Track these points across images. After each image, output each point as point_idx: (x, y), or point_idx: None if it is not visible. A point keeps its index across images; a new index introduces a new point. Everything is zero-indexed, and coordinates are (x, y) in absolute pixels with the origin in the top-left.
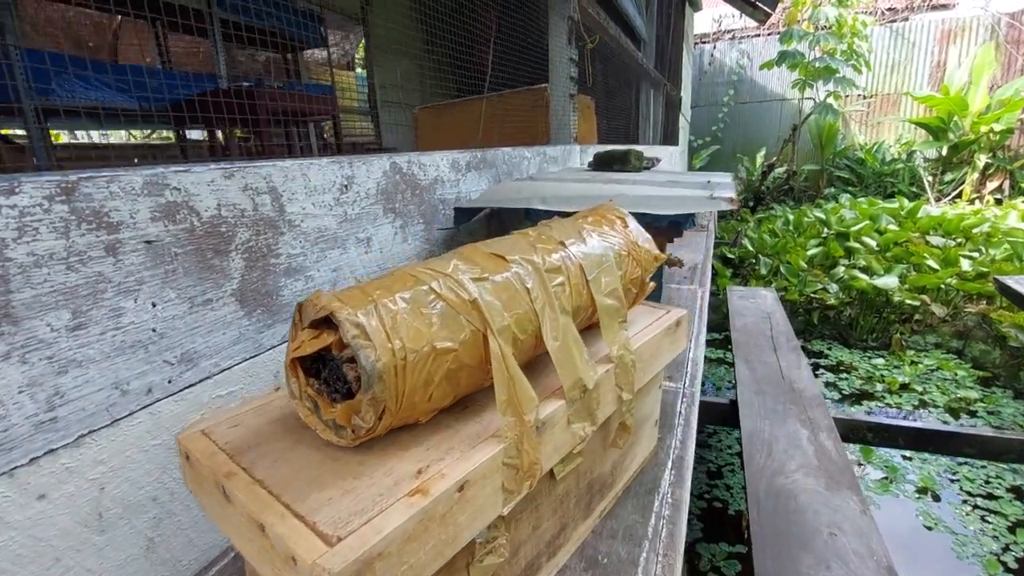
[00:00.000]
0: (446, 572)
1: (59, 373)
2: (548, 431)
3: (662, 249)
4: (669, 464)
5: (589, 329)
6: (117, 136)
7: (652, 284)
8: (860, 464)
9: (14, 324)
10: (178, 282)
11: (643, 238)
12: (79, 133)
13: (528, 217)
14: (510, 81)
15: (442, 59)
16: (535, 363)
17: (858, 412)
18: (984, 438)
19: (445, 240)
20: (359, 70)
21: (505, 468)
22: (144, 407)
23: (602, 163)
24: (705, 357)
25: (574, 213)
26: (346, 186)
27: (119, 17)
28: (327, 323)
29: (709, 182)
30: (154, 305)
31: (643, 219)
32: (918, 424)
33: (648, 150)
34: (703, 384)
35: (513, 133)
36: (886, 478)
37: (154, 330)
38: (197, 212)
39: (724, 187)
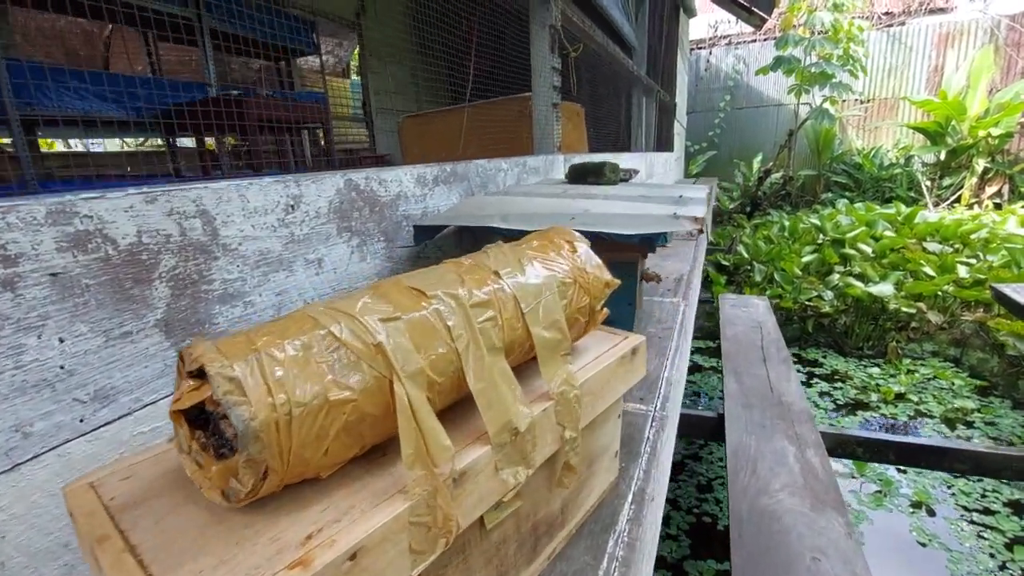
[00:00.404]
0: None
1: None
2: (470, 481)
3: (635, 264)
4: (629, 498)
5: (530, 364)
6: (113, 144)
7: (604, 312)
8: (853, 476)
9: None
10: (90, 315)
11: (592, 263)
12: (73, 142)
13: (497, 232)
14: (501, 89)
15: (436, 65)
16: (461, 406)
17: (850, 426)
18: (979, 454)
19: (410, 257)
20: (354, 77)
21: (413, 528)
22: (51, 448)
23: (577, 176)
24: (699, 366)
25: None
26: (292, 206)
27: (110, 26)
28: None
29: (681, 197)
30: (61, 341)
31: (610, 237)
32: (909, 439)
33: (637, 158)
34: (696, 397)
35: (498, 142)
36: (880, 491)
37: (62, 367)
38: (113, 240)
39: (693, 205)
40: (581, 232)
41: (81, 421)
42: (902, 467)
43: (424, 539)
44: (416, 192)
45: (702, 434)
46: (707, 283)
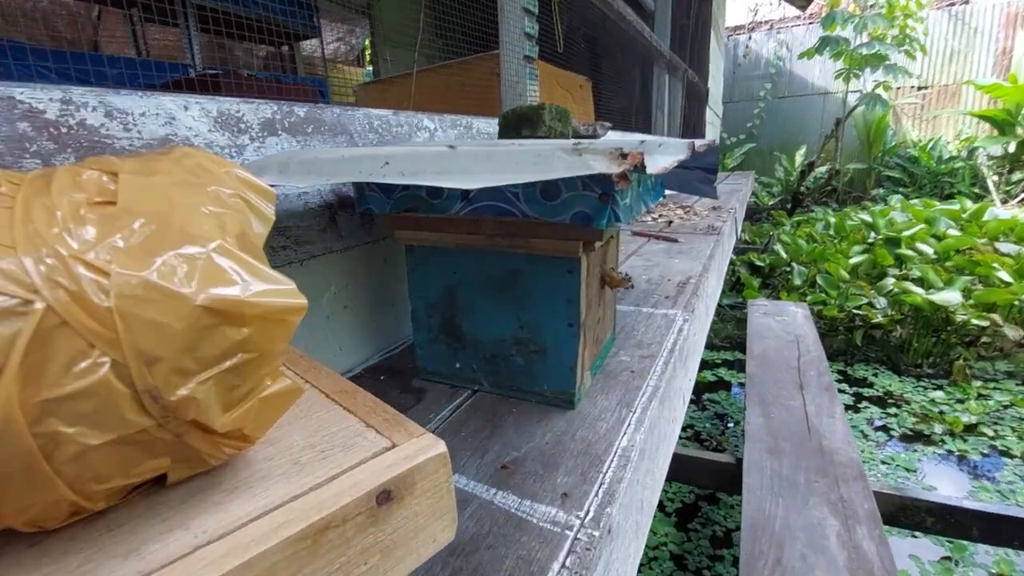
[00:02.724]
0: None
1: None
2: None
3: (572, 261)
4: None
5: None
6: None
7: (289, 386)
8: (913, 535)
9: None
10: None
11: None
12: None
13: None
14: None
15: (457, 55)
16: None
17: (911, 485)
18: None
19: None
20: (370, 67)
21: None
22: None
23: (509, 127)
24: (723, 381)
25: None
26: None
27: (98, 9)
28: None
29: (643, 142)
30: None
31: (520, 209)
32: (1002, 508)
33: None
34: (719, 421)
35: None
36: (948, 558)
37: None
38: None
39: (608, 146)
40: (381, 186)
41: None
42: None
43: None
44: (219, 140)
45: (714, 484)
46: (738, 286)
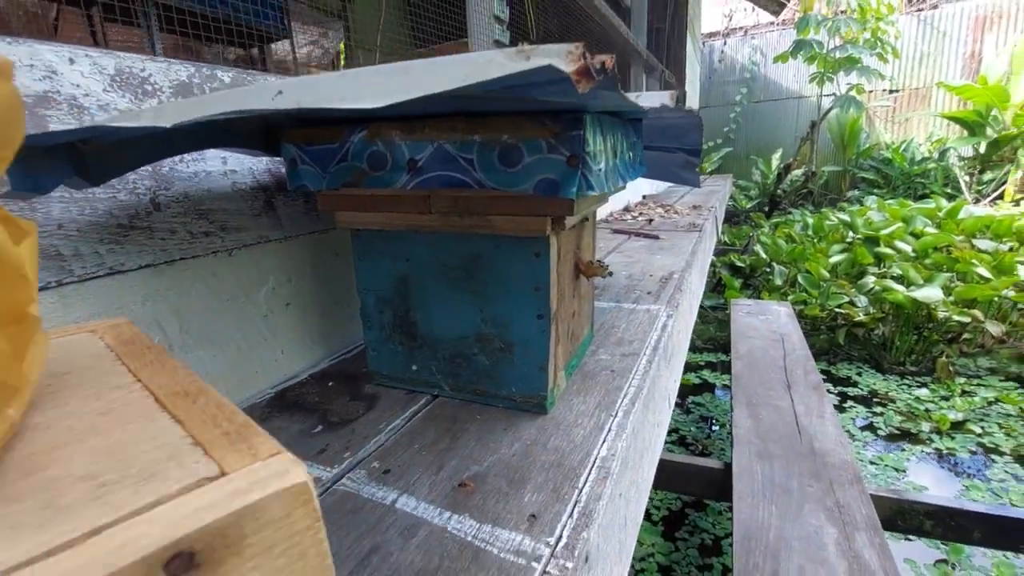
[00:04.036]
0: None
1: None
2: None
3: (538, 240)
4: None
5: None
6: None
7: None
8: (907, 539)
9: None
10: None
11: None
12: None
13: (134, 132)
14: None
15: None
16: None
17: (904, 478)
18: None
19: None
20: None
21: None
22: None
23: None
24: (707, 383)
25: None
26: None
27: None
28: None
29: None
30: None
31: (471, 178)
32: (1005, 510)
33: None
34: (703, 423)
35: None
36: (944, 560)
37: None
38: None
39: (550, 49)
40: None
41: None
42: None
43: None
44: (122, 104)
45: (702, 491)
46: (719, 288)
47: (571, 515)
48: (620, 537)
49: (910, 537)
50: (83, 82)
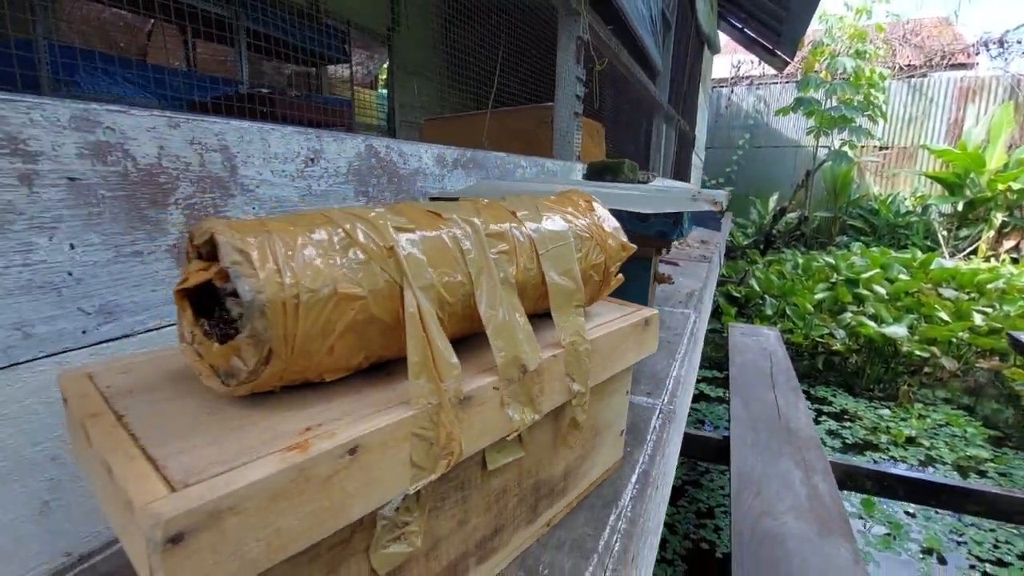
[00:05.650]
0: (339, 551)
1: None
2: (475, 408)
3: (649, 260)
4: (633, 478)
5: (541, 318)
6: None
7: (620, 277)
8: (860, 518)
9: None
10: (104, 227)
11: (610, 224)
12: None
13: None
14: (522, 99)
15: (463, 82)
16: (469, 342)
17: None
18: (993, 496)
19: None
20: (382, 89)
21: (416, 440)
22: (50, 355)
23: (594, 174)
24: (705, 395)
25: None
26: (312, 159)
27: (151, 22)
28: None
29: (699, 192)
30: (72, 247)
31: (625, 227)
32: (922, 475)
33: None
34: (700, 424)
35: (517, 149)
36: (889, 534)
37: (70, 274)
38: (133, 157)
39: (712, 195)
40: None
41: (83, 333)
42: (913, 509)
43: (425, 455)
44: (435, 171)
45: (705, 455)
46: (717, 313)
47: (665, 392)
48: (681, 415)
49: (855, 494)
50: (426, 159)
